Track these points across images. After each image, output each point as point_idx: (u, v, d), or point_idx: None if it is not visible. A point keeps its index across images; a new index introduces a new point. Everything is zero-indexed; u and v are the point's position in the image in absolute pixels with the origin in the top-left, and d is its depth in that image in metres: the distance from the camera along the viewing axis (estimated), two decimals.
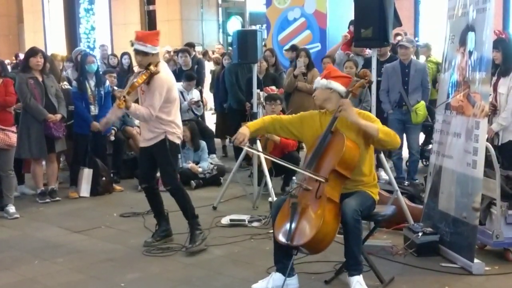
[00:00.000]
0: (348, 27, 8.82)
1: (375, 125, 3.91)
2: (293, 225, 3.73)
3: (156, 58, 4.87)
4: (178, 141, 5.02)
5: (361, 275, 3.89)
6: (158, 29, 5.19)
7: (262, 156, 4.17)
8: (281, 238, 3.77)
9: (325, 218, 3.70)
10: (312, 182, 3.89)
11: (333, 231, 3.78)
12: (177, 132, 4.96)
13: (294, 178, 6.68)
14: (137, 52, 4.81)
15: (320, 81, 4.09)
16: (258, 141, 6.21)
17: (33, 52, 6.63)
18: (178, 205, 5.02)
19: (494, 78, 5.70)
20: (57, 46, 16.60)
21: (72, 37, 13.73)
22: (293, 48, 8.97)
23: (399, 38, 8.69)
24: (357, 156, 3.91)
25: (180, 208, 5.02)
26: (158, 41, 4.89)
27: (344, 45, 8.69)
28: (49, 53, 8.54)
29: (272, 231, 5.18)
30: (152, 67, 4.73)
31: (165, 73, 4.88)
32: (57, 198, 6.79)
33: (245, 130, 4.09)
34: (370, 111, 4.95)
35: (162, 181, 5.11)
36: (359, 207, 3.83)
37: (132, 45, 4.83)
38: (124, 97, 4.63)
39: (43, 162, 6.95)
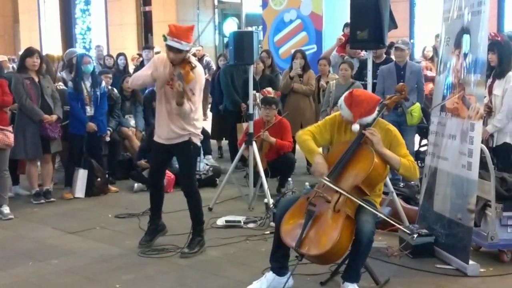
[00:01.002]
0: (343, 30, 8.84)
1: (397, 159, 3.89)
2: (305, 232, 3.67)
3: (188, 54, 4.63)
4: (199, 143, 4.93)
5: (356, 285, 3.87)
6: (192, 25, 4.86)
7: (342, 192, 3.91)
8: (289, 241, 3.73)
9: (342, 234, 3.63)
10: (331, 193, 3.80)
11: (346, 248, 3.74)
12: (200, 134, 4.86)
13: (290, 179, 6.69)
14: (171, 49, 4.53)
15: (353, 125, 3.90)
16: (254, 143, 6.21)
17: (29, 52, 6.61)
18: (189, 208, 4.93)
19: (489, 80, 5.72)
20: (52, 47, 16.56)
21: (68, 37, 13.68)
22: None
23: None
24: (383, 176, 3.92)
25: (190, 211, 4.94)
26: (192, 37, 4.65)
27: (338, 47, 8.70)
28: (44, 54, 8.49)
29: (267, 232, 5.22)
30: (191, 61, 4.58)
31: (200, 67, 4.76)
32: (52, 199, 6.76)
33: (321, 159, 3.91)
34: None
35: (181, 182, 5.01)
36: (374, 227, 3.78)
37: (165, 39, 4.55)
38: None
39: (38, 163, 6.93)
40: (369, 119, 3.94)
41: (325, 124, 4.15)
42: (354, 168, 3.85)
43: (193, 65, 4.60)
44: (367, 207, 3.77)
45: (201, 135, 4.93)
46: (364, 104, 3.93)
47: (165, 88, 4.73)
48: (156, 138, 4.91)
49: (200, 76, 4.72)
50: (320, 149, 4.35)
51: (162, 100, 4.79)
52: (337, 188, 3.77)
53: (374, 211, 3.82)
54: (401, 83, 4.37)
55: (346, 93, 4.06)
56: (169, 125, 4.74)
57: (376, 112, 3.99)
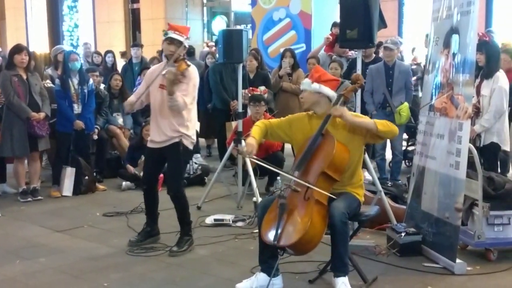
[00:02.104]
0: (331, 29, 8.87)
1: (371, 120, 3.97)
2: (281, 226, 3.73)
3: (183, 52, 4.75)
4: (191, 147, 4.90)
5: (346, 277, 3.91)
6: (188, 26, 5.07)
7: (268, 167, 4.09)
8: (268, 238, 3.77)
9: (313, 220, 3.70)
10: (300, 184, 3.89)
11: (320, 233, 3.78)
12: (192, 137, 4.84)
13: (278, 178, 6.69)
14: (172, 41, 4.66)
15: (311, 85, 4.05)
16: (243, 141, 6.20)
17: (17, 49, 6.56)
18: (176, 210, 4.93)
19: (477, 81, 5.76)
20: (39, 44, 16.44)
21: (55, 34, 13.60)
22: None
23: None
24: (347, 159, 3.93)
25: (177, 213, 4.93)
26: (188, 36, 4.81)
27: (326, 47, 8.73)
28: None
29: (256, 231, 5.20)
30: (186, 61, 4.66)
31: (194, 68, 4.82)
32: (39, 197, 6.72)
33: (252, 140, 3.99)
34: (354, 112, 4.97)
35: (167, 184, 5.00)
36: (347, 209, 3.84)
37: (166, 34, 4.67)
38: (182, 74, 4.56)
39: (26, 161, 6.88)
40: (316, 86, 4.01)
41: (288, 118, 4.24)
42: (318, 157, 3.93)
43: (188, 63, 4.66)
44: (280, 171, 4.21)
45: (194, 139, 4.90)
46: (322, 72, 4.17)
47: (156, 93, 4.78)
48: (148, 144, 4.95)
49: (194, 74, 4.75)
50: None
51: (155, 104, 4.82)
52: (280, 171, 4.13)
53: (287, 174, 4.09)
54: (356, 73, 4.43)
55: None
56: (160, 127, 4.77)
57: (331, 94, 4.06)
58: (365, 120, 4.01)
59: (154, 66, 5.21)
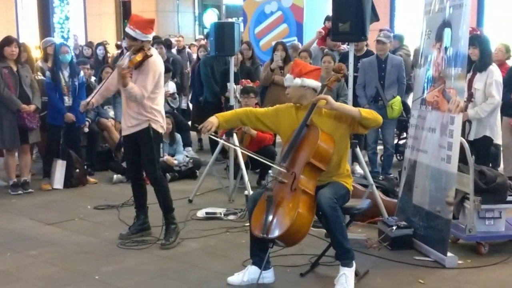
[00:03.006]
0: (324, 22, 8.85)
1: (356, 108, 3.96)
2: (269, 218, 3.74)
3: (147, 45, 4.82)
4: (161, 131, 4.97)
5: (351, 268, 3.88)
6: (153, 18, 5.08)
7: (234, 147, 4.16)
8: (257, 232, 3.78)
9: (300, 210, 3.71)
10: (287, 175, 3.90)
11: (308, 222, 3.79)
12: (160, 121, 4.90)
13: (270, 171, 6.68)
14: (126, 35, 4.80)
15: (293, 80, 4.04)
16: (234, 135, 6.20)
17: (8, 41, 6.50)
18: (157, 195, 4.95)
19: (469, 75, 5.77)
20: (29, 36, 16.31)
21: (46, 27, 13.45)
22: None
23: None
24: (332, 149, 3.93)
25: (158, 199, 4.95)
26: (151, 30, 4.86)
27: (319, 40, 8.72)
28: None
29: (248, 224, 5.21)
30: (146, 50, 4.72)
31: (157, 57, 4.88)
32: (30, 190, 6.69)
33: (213, 119, 4.07)
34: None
35: (144, 170, 5.00)
36: (334, 195, 3.84)
37: (125, 26, 4.79)
38: (129, 67, 4.63)
39: (16, 153, 6.84)
40: (298, 81, 4.01)
41: (276, 108, 4.23)
42: (303, 148, 3.94)
43: (149, 54, 4.72)
44: (259, 158, 4.08)
45: (163, 123, 4.95)
46: (302, 65, 4.14)
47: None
48: (123, 132, 5.05)
49: (154, 65, 4.78)
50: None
51: (122, 94, 4.91)
52: (270, 163, 4.10)
53: (267, 161, 4.13)
54: (339, 63, 4.43)
55: None
56: (129, 113, 4.86)
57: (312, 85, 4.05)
58: (349, 107, 4.03)
59: (119, 63, 5.20)
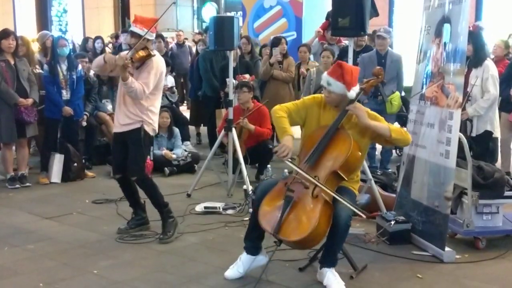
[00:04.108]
0: (327, 19, 8.85)
1: (385, 125, 3.86)
2: (284, 218, 3.67)
3: (150, 45, 4.84)
4: (152, 134, 4.96)
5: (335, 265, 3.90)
6: (156, 17, 5.09)
7: (303, 174, 3.80)
8: (268, 227, 3.72)
9: (320, 220, 3.62)
10: (309, 180, 3.76)
11: (324, 232, 3.73)
12: (153, 124, 4.88)
13: (269, 166, 6.69)
14: (133, 34, 4.77)
15: (340, 87, 3.85)
16: (233, 129, 6.19)
17: (5, 34, 6.47)
18: (146, 195, 4.96)
19: (465, 71, 5.77)
20: (27, 29, 16.25)
21: (43, 19, 13.45)
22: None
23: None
24: (360, 161, 3.89)
25: (148, 198, 4.96)
26: (155, 29, 4.90)
27: (319, 36, 8.74)
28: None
29: (246, 218, 5.22)
30: (150, 50, 4.72)
31: (160, 58, 4.90)
32: (27, 184, 6.67)
33: (287, 141, 3.81)
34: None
35: (128, 169, 4.94)
36: (351, 212, 3.75)
37: (129, 26, 4.74)
38: (131, 58, 4.61)
39: (13, 147, 6.82)
40: (353, 93, 3.89)
41: (303, 102, 4.10)
42: (332, 153, 3.82)
43: (152, 53, 4.72)
44: (341, 200, 3.70)
45: (155, 126, 4.93)
46: (354, 72, 3.94)
47: (120, 81, 4.85)
48: (114, 129, 5.03)
49: (156, 63, 4.78)
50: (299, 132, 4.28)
51: (120, 92, 4.88)
52: (305, 175, 3.73)
53: (348, 204, 3.71)
54: (378, 67, 4.31)
55: (330, 68, 4.03)
56: (124, 111, 4.83)
57: (356, 92, 3.93)
58: (380, 124, 3.88)
59: (122, 53, 5.11)
